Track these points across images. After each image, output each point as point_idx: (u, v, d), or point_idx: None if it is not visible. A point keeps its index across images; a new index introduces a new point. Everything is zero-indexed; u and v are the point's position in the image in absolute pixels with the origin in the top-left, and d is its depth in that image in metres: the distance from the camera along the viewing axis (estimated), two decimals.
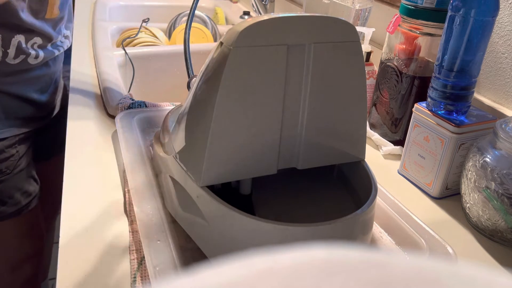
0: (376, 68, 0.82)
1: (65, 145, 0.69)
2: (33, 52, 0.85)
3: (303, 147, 0.47)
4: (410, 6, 0.67)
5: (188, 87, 0.66)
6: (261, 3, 1.07)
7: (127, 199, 0.57)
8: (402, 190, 0.65)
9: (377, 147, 0.76)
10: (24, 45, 0.83)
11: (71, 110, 0.80)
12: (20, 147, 0.90)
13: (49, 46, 0.90)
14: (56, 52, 0.92)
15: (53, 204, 1.12)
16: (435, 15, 0.66)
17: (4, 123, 0.86)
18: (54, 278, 0.46)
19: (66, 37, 0.96)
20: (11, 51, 0.81)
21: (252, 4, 1.09)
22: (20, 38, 0.82)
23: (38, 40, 0.86)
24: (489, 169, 0.53)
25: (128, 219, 0.54)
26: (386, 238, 0.53)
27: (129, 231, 0.52)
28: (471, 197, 0.56)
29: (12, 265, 1.00)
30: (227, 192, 0.51)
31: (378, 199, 0.55)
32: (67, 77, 1.04)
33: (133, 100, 0.78)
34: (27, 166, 0.93)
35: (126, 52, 1.03)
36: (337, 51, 0.45)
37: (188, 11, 0.70)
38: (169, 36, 1.26)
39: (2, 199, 0.89)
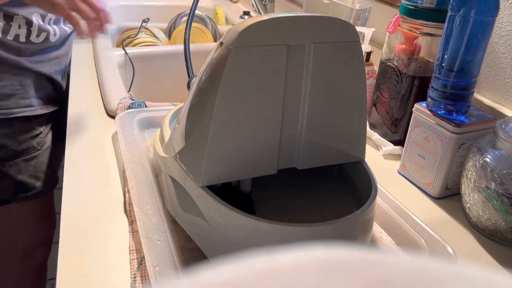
0: (376, 68, 0.82)
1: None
2: (51, 29, 0.91)
3: (303, 147, 0.47)
4: (410, 6, 0.67)
5: (188, 87, 0.66)
6: (261, 3, 1.07)
7: (127, 199, 0.57)
8: (402, 190, 0.65)
9: (377, 147, 0.76)
10: (42, 22, 0.89)
11: (71, 110, 0.80)
12: (46, 126, 0.96)
13: (61, 23, 0.95)
14: (68, 30, 0.97)
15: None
16: (435, 15, 0.66)
17: (36, 102, 0.92)
18: (54, 278, 0.46)
19: None
20: (34, 29, 0.87)
21: (252, 4, 1.09)
22: (37, 16, 0.88)
23: (52, 15, 0.91)
24: (489, 169, 0.53)
25: (128, 219, 0.54)
26: (386, 238, 0.53)
27: (129, 231, 0.52)
28: (471, 197, 0.56)
29: (24, 252, 1.02)
30: (227, 191, 0.51)
31: (378, 199, 0.55)
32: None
33: (133, 100, 0.78)
34: (51, 145, 0.99)
35: (126, 52, 1.03)
36: (337, 51, 0.45)
37: (188, 11, 0.70)
38: (169, 36, 1.26)
39: (37, 175, 0.94)
